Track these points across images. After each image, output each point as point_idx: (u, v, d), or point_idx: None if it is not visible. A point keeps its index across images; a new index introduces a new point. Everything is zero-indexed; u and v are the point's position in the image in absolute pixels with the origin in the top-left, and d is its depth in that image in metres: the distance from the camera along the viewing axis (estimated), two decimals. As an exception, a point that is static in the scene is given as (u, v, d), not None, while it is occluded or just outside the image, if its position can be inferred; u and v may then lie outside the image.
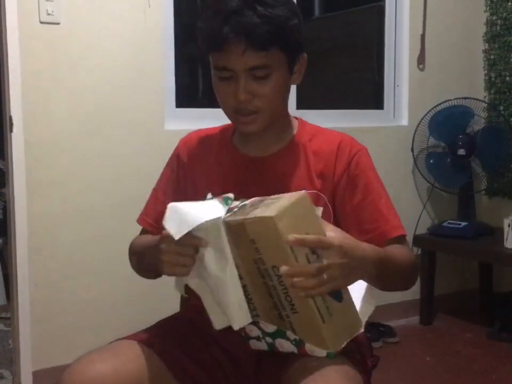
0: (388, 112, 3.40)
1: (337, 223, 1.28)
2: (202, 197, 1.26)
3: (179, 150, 1.41)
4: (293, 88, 3.08)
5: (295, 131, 1.35)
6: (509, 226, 2.81)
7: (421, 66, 3.33)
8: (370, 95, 3.74)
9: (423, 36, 3.30)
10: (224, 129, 1.41)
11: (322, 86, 3.79)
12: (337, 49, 3.87)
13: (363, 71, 3.82)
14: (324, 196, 1.29)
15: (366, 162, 1.32)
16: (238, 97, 1.20)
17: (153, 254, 1.15)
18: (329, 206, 1.29)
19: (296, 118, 1.39)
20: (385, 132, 3.25)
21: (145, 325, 1.32)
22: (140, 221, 1.41)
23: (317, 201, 1.27)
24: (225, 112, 1.28)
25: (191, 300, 1.36)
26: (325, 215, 1.26)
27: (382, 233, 1.27)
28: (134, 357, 1.15)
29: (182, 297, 1.49)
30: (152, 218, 1.38)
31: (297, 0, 3.06)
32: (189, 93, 3.32)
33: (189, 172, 1.37)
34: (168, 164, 1.42)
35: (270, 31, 1.16)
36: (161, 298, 2.09)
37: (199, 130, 1.44)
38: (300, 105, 3.09)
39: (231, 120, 1.29)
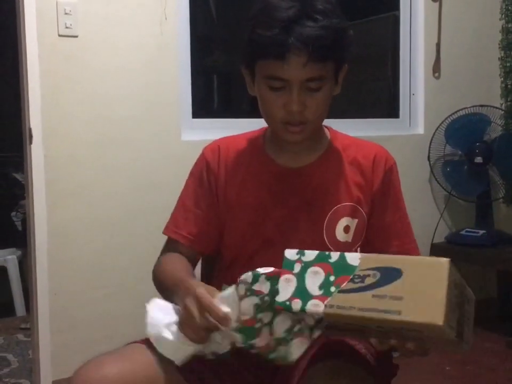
0: (404, 121, 3.40)
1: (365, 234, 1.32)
2: (235, 210, 1.28)
3: (207, 158, 1.36)
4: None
5: (328, 141, 1.35)
6: (527, 234, 2.79)
7: (436, 74, 3.33)
8: (386, 103, 3.74)
9: (438, 44, 3.30)
10: (253, 138, 1.38)
11: (339, 95, 3.79)
12: (353, 58, 3.87)
13: (379, 80, 3.82)
14: (361, 209, 1.30)
15: (397, 177, 1.35)
16: (291, 109, 1.18)
17: (180, 301, 1.10)
18: (365, 218, 1.30)
19: (326, 127, 1.38)
20: (401, 141, 3.24)
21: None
22: (169, 232, 1.36)
23: (353, 214, 1.29)
24: (270, 121, 1.26)
25: None
26: (359, 228, 1.29)
27: (405, 251, 1.31)
28: (144, 360, 1.14)
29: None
30: (185, 230, 1.33)
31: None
32: (205, 104, 3.34)
33: (220, 182, 1.34)
34: (194, 172, 1.38)
35: (332, 42, 1.14)
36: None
37: (225, 138, 1.41)
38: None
39: (276, 129, 1.27)
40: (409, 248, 1.33)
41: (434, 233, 3.27)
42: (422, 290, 0.89)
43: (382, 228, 1.31)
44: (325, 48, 1.14)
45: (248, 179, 1.32)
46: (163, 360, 1.14)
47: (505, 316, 3.36)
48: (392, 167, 1.33)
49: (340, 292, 0.95)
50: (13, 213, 4.17)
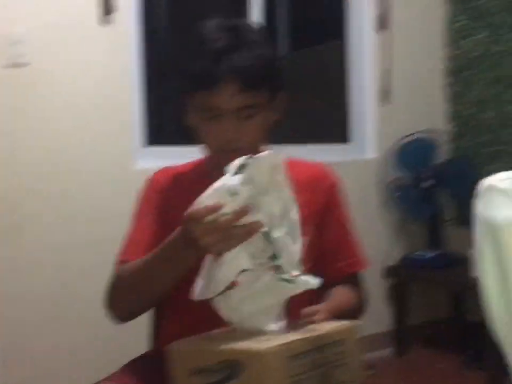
0: (355, 146, 3.46)
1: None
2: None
3: (157, 184, 1.37)
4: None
5: None
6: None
7: (385, 100, 3.40)
8: (337, 129, 3.80)
9: (386, 71, 3.38)
10: (196, 165, 1.39)
11: (290, 122, 3.84)
12: (304, 85, 3.94)
13: (330, 106, 3.89)
14: (307, 228, 1.28)
15: (341, 193, 1.38)
16: (225, 137, 1.20)
17: (180, 248, 1.09)
18: (312, 236, 1.31)
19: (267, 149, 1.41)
20: (353, 166, 3.29)
21: (107, 371, 1.30)
22: (121, 257, 1.31)
23: (304, 231, 1.28)
24: (208, 150, 1.28)
25: (165, 329, 1.35)
26: (308, 245, 1.28)
27: (352, 264, 1.36)
28: None
29: (153, 330, 1.47)
30: (136, 253, 1.28)
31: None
32: (159, 132, 3.33)
33: (169, 207, 1.33)
34: (144, 196, 1.37)
35: (261, 71, 1.18)
36: (124, 343, 2.05)
37: (172, 166, 1.42)
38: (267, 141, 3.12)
39: (213, 158, 1.28)
40: (358, 262, 1.37)
41: (389, 256, 3.31)
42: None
43: (330, 243, 1.34)
44: (254, 77, 1.17)
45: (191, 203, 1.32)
46: None
47: (458, 336, 3.42)
48: (334, 183, 1.36)
49: None
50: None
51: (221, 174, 1.30)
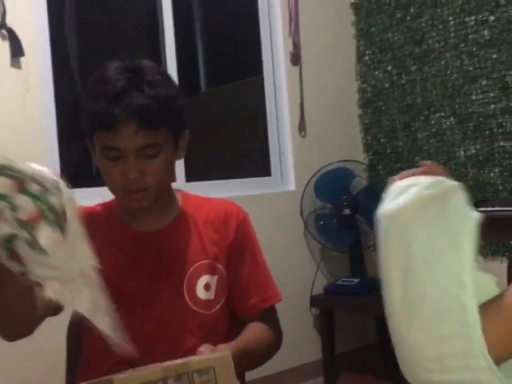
0: (276, 179, 3.51)
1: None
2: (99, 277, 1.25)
3: None
4: (181, 162, 3.15)
5: (180, 202, 1.38)
6: (397, 279, 2.93)
7: (302, 133, 3.49)
8: (258, 163, 3.86)
9: (301, 104, 3.48)
10: (108, 206, 1.39)
11: (212, 158, 3.87)
12: (224, 121, 3.99)
13: (250, 140, 3.95)
14: (219, 265, 1.33)
15: (250, 228, 1.41)
16: (128, 177, 1.21)
17: None
18: (224, 272, 1.34)
19: (178, 190, 1.42)
20: (274, 198, 3.34)
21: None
22: None
23: (212, 271, 1.32)
24: (113, 191, 1.28)
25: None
26: (220, 284, 1.32)
27: (265, 300, 1.38)
28: None
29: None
30: None
31: (185, 75, 3.18)
32: (81, 174, 3.27)
33: None
34: None
35: (160, 111, 1.19)
36: None
37: (81, 207, 1.39)
38: (189, 178, 3.13)
39: (118, 198, 1.30)
40: (270, 296, 1.39)
41: (312, 285, 3.36)
42: None
43: (241, 280, 1.36)
44: (153, 116, 1.19)
45: (105, 246, 1.29)
46: None
47: (385, 361, 3.48)
48: (244, 219, 1.39)
49: None
50: None
51: (133, 219, 1.32)
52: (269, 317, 1.39)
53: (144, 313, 1.29)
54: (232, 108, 4.01)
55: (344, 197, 3.33)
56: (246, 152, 3.94)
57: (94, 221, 1.35)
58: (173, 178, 1.34)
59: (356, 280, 3.28)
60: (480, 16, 3.09)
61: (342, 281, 3.31)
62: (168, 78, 1.29)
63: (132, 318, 1.27)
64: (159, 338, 1.28)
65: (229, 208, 1.39)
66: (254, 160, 3.91)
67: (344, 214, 3.31)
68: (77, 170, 3.34)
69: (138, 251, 1.32)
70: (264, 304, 1.38)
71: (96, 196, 2.73)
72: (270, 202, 3.31)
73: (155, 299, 1.29)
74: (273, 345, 1.38)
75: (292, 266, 3.34)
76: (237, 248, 1.36)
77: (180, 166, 3.13)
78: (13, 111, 2.52)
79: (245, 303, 1.37)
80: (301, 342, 3.27)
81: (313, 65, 3.52)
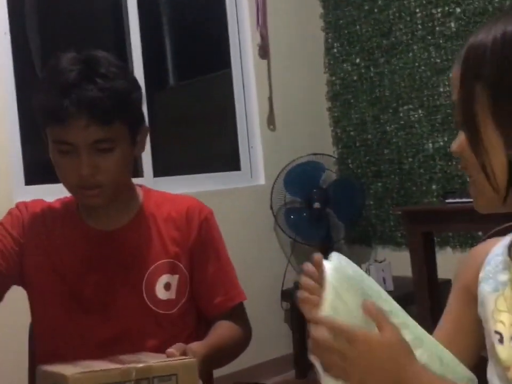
0: (245, 173, 3.49)
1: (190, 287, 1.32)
2: (48, 277, 1.23)
3: (21, 216, 1.30)
4: (148, 157, 3.11)
5: (140, 199, 1.34)
6: (366, 271, 2.94)
7: (271, 127, 3.47)
8: (228, 157, 3.83)
9: (270, 98, 3.46)
10: (66, 202, 1.35)
11: (180, 153, 3.83)
12: (193, 115, 3.95)
13: (220, 134, 3.92)
14: (180, 264, 1.30)
15: (214, 226, 1.37)
16: (81, 172, 1.16)
17: None
18: (186, 272, 1.31)
19: (139, 185, 1.38)
20: (244, 192, 3.32)
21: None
22: None
23: (173, 270, 1.28)
24: (66, 187, 1.24)
25: None
26: (181, 284, 1.29)
27: (230, 299, 1.35)
28: None
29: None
30: None
31: (152, 70, 3.13)
32: (41, 169, 3.20)
33: (31, 242, 1.28)
34: (2, 221, 1.30)
35: (113, 104, 1.14)
36: None
37: (39, 200, 1.36)
38: (156, 173, 3.09)
39: (73, 195, 1.25)
40: (235, 295, 1.37)
41: (283, 280, 3.35)
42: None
43: (205, 280, 1.33)
44: (105, 110, 1.14)
45: (62, 244, 1.28)
46: None
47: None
48: (207, 217, 1.35)
49: None
50: None
51: (92, 217, 1.28)
52: (237, 314, 1.37)
53: (103, 314, 1.25)
54: (201, 102, 3.97)
55: (314, 190, 3.33)
56: (215, 147, 3.90)
57: (51, 218, 1.32)
58: (130, 174, 1.29)
59: (326, 274, 3.26)
60: (447, 8, 3.10)
61: (313, 275, 3.30)
62: (124, 70, 1.24)
63: (91, 318, 1.25)
64: (119, 339, 1.24)
65: (191, 206, 1.35)
66: (223, 155, 3.88)
67: (314, 208, 3.31)
68: (42, 165, 3.28)
69: (96, 250, 1.28)
70: (230, 303, 1.36)
71: (53, 193, 2.71)
72: (240, 196, 3.28)
73: (114, 299, 1.26)
74: (242, 342, 1.36)
75: (262, 261, 3.32)
76: (200, 247, 1.33)
77: (147, 160, 3.09)
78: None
79: (211, 302, 1.34)
80: (272, 336, 3.26)
81: (282, 58, 3.50)
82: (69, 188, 1.23)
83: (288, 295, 3.30)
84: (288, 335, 3.34)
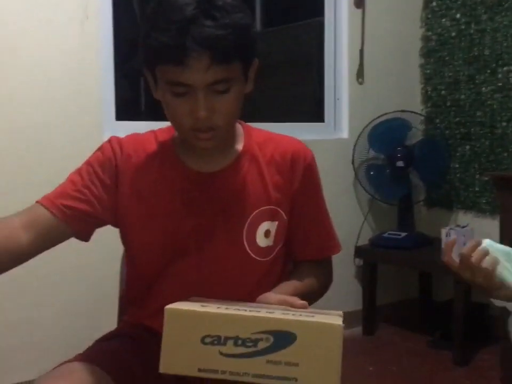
0: (329, 125, 3.44)
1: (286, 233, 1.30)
2: (145, 217, 1.21)
3: (114, 158, 1.24)
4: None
5: (242, 139, 1.28)
6: (446, 236, 2.87)
7: (360, 80, 3.39)
8: (311, 108, 3.78)
9: (361, 51, 3.36)
10: (161, 139, 1.28)
11: (264, 100, 3.82)
12: (278, 63, 3.90)
13: (304, 84, 3.86)
14: (281, 211, 1.26)
15: (316, 172, 1.32)
16: (198, 115, 1.09)
17: None
18: (286, 219, 1.27)
19: (240, 122, 1.31)
20: (326, 145, 3.28)
21: (82, 342, 1.29)
22: (41, 200, 1.24)
23: (273, 217, 1.25)
24: (178, 129, 1.18)
25: (124, 316, 1.34)
26: (280, 230, 1.26)
27: (325, 248, 1.33)
28: (86, 379, 1.09)
29: (119, 313, 1.46)
30: (59, 201, 1.21)
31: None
32: (130, 106, 3.27)
33: (125, 183, 1.23)
34: (92, 161, 1.26)
35: (235, 42, 1.06)
36: (98, 316, 2.05)
37: (133, 135, 1.30)
38: (241, 118, 3.09)
39: (185, 137, 1.18)
40: (330, 246, 1.34)
41: (358, 236, 3.33)
42: (317, 356, 0.90)
43: (303, 226, 1.30)
44: (227, 49, 1.05)
45: (160, 185, 1.23)
46: (103, 379, 1.11)
47: (426, 316, 3.46)
48: (310, 163, 1.29)
49: (231, 356, 0.91)
50: None
51: (192, 157, 1.23)
52: (325, 264, 1.35)
53: (199, 256, 1.22)
54: (287, 50, 3.92)
55: (399, 148, 3.25)
56: (299, 96, 3.86)
57: (147, 159, 1.26)
58: (240, 114, 1.21)
59: (403, 234, 3.22)
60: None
61: (389, 234, 3.26)
62: (240, 1, 1.12)
63: (186, 260, 1.23)
64: (213, 283, 1.23)
65: (296, 150, 1.28)
66: (306, 105, 3.83)
67: (397, 166, 3.23)
68: (128, 102, 3.35)
69: (195, 192, 1.23)
70: (323, 253, 1.33)
71: (142, 130, 2.77)
72: (321, 148, 3.22)
73: (211, 243, 1.22)
74: (321, 294, 1.34)
75: (338, 215, 3.24)
76: (302, 193, 1.28)
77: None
78: (72, 37, 2.50)
79: (304, 249, 1.31)
80: (342, 290, 3.26)
81: (377, 9, 3.38)
82: (181, 130, 1.17)
83: (362, 251, 3.29)
84: (358, 292, 3.34)
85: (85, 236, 1.26)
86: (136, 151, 1.26)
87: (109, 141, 1.28)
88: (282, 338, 0.90)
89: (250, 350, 0.90)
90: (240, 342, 0.91)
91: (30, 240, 1.17)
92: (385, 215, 3.47)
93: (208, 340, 0.91)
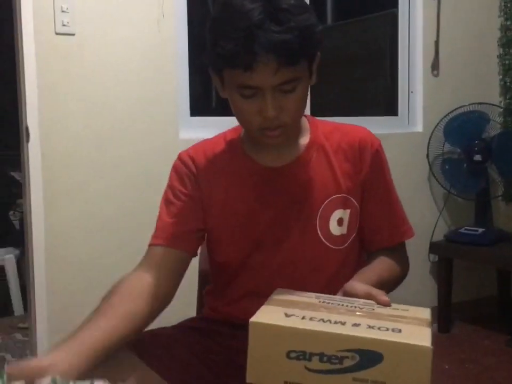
0: (403, 119, 3.39)
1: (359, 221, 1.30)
2: (222, 216, 1.26)
3: (189, 171, 1.29)
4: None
5: (308, 132, 1.30)
6: (526, 232, 2.78)
7: (435, 72, 3.32)
8: (384, 101, 3.74)
9: (436, 42, 3.29)
10: (229, 139, 1.33)
11: (336, 94, 3.79)
12: (350, 56, 3.87)
13: (377, 77, 3.82)
14: (352, 198, 1.27)
15: (384, 158, 1.32)
16: (267, 115, 1.12)
17: None
18: (358, 206, 1.28)
19: (305, 115, 1.32)
20: (400, 139, 3.23)
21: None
22: (152, 241, 1.26)
23: (345, 205, 1.27)
24: (247, 128, 1.22)
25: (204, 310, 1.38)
26: (352, 218, 1.27)
27: (398, 234, 1.32)
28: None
29: (198, 304, 1.50)
30: (165, 234, 1.25)
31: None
32: (203, 102, 3.32)
33: (203, 188, 1.28)
34: (172, 184, 1.30)
35: (301, 44, 1.07)
36: (175, 305, 2.09)
37: (201, 142, 1.35)
38: (313, 113, 3.09)
39: (254, 136, 1.21)
40: (403, 231, 1.33)
41: (433, 231, 3.26)
42: (405, 376, 0.87)
43: (375, 213, 1.30)
44: (294, 52, 1.07)
45: (233, 183, 1.28)
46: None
47: (504, 314, 3.36)
48: (378, 150, 1.30)
49: (317, 372, 0.89)
50: (11, 212, 4.16)
51: (260, 153, 1.27)
52: (400, 250, 1.34)
53: (274, 248, 1.25)
54: (360, 42, 3.88)
55: (476, 142, 3.16)
56: (372, 90, 3.81)
57: (217, 154, 1.31)
58: (306, 107, 1.22)
59: (480, 230, 3.14)
60: None
61: (465, 229, 3.19)
62: (303, 1, 1.15)
63: (262, 252, 1.26)
64: (291, 273, 1.26)
65: (363, 137, 1.29)
66: (380, 99, 3.79)
67: (474, 160, 3.15)
68: (200, 98, 3.41)
69: (267, 187, 1.27)
70: (397, 238, 1.32)
71: (214, 125, 2.82)
72: (395, 142, 3.21)
73: (287, 234, 1.25)
74: (401, 277, 1.33)
75: (413, 210, 3.22)
76: (371, 180, 1.28)
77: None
78: (149, 36, 2.57)
79: (377, 236, 1.31)
80: (416, 287, 3.21)
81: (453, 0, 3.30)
82: (250, 129, 1.20)
83: (437, 247, 3.22)
84: (433, 288, 3.28)
85: (196, 252, 1.30)
86: (207, 158, 1.30)
87: (179, 158, 1.33)
88: (369, 357, 0.88)
89: (336, 367, 0.89)
90: (325, 358, 0.90)
91: (165, 285, 1.19)
92: (462, 210, 3.38)
93: (293, 354, 0.90)
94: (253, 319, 0.92)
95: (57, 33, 2.39)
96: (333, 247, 1.26)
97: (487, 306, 3.40)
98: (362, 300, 1.05)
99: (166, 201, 1.30)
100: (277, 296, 1.04)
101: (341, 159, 1.28)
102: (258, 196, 1.26)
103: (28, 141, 2.37)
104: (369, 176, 1.28)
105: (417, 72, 3.34)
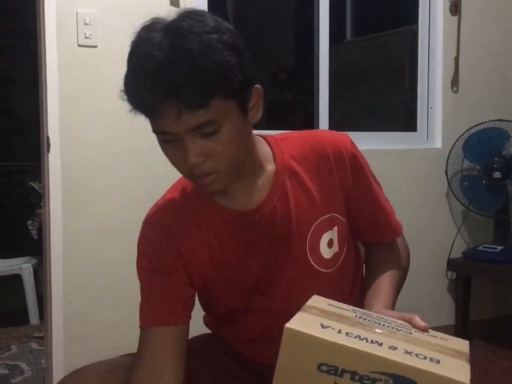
0: (421, 135, 3.38)
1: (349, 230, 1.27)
2: (212, 274, 1.18)
3: (159, 233, 1.18)
4: (324, 111, 3.12)
5: (272, 158, 1.18)
6: (547, 250, 2.75)
7: (454, 88, 3.30)
8: (403, 117, 3.73)
9: (456, 58, 3.28)
10: (190, 189, 1.20)
11: (355, 109, 3.79)
12: (369, 72, 3.87)
13: (396, 93, 3.81)
14: (337, 215, 1.21)
15: (362, 159, 1.25)
16: (188, 163, 1.01)
17: None
18: (344, 219, 1.22)
19: (262, 137, 1.21)
20: (418, 154, 3.22)
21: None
22: (146, 324, 1.18)
23: (331, 224, 1.20)
24: (182, 175, 1.11)
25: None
26: (341, 233, 1.22)
27: (391, 227, 1.30)
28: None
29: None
30: (160, 316, 1.16)
31: (329, 24, 3.10)
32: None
33: (187, 252, 1.16)
34: (143, 265, 1.20)
35: (203, 85, 0.95)
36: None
37: (164, 202, 1.23)
38: (332, 127, 3.09)
39: (191, 182, 1.14)
40: (396, 224, 1.30)
41: (451, 248, 3.23)
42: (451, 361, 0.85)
43: (365, 218, 1.26)
44: (195, 95, 0.95)
45: (214, 237, 1.16)
46: None
47: (523, 334, 3.31)
48: (353, 153, 1.21)
49: None
50: (29, 222, 4.19)
51: (227, 196, 1.14)
52: (396, 242, 1.32)
53: (271, 291, 1.19)
54: (380, 58, 3.88)
55: (496, 158, 3.13)
56: (390, 106, 3.81)
57: (189, 214, 1.18)
58: (250, 143, 1.11)
59: (499, 248, 3.11)
60: None
61: (484, 247, 3.15)
62: (216, 34, 0.99)
63: (261, 299, 1.21)
64: (291, 307, 1.12)
65: (333, 146, 1.19)
66: (398, 114, 3.78)
67: (493, 177, 3.12)
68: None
69: (246, 234, 1.16)
70: (392, 234, 1.30)
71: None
72: (414, 158, 3.20)
73: (280, 273, 1.18)
74: (403, 281, 1.29)
75: (431, 226, 3.23)
76: (356, 189, 1.22)
77: (324, 115, 3.10)
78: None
79: (371, 236, 1.29)
80: (434, 304, 3.18)
81: (474, 16, 3.29)
82: (184, 176, 1.11)
83: (455, 264, 3.19)
84: (450, 305, 3.24)
85: (191, 315, 1.21)
86: (176, 217, 1.19)
87: (148, 223, 1.24)
88: (402, 383, 0.84)
89: None
90: (357, 377, 0.85)
91: (180, 372, 1.14)
92: (480, 228, 3.35)
93: (324, 368, 0.86)
94: (289, 325, 0.88)
95: (79, 45, 2.42)
96: (329, 270, 1.20)
97: (506, 325, 3.35)
98: (399, 321, 1.00)
99: (147, 276, 1.18)
100: (313, 304, 1.00)
101: (315, 178, 1.19)
102: (243, 242, 1.16)
103: (48, 151, 2.39)
104: (352, 186, 1.21)
105: (436, 88, 3.33)
